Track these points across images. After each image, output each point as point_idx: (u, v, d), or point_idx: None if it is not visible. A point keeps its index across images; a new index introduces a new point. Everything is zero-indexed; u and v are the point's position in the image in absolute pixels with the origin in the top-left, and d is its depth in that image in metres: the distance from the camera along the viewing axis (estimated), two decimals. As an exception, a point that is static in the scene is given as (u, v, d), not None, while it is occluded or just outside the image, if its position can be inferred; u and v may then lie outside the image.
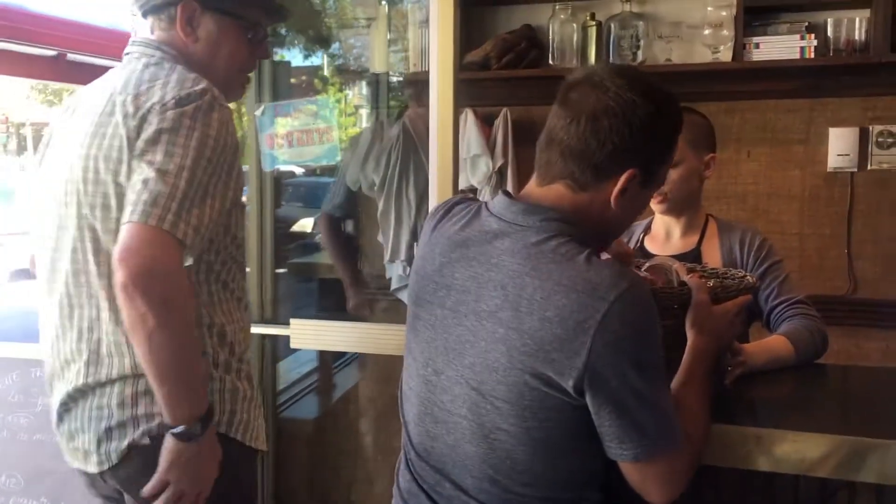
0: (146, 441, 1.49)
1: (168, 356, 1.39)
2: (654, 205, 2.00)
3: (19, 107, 21.23)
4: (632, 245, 2.10)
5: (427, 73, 2.29)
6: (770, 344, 1.77)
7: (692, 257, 1.92)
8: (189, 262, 1.51)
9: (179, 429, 1.44)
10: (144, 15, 1.64)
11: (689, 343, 1.37)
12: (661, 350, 1.20)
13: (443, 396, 1.29)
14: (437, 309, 1.31)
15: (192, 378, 1.45)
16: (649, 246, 2.07)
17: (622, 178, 1.24)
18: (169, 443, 1.45)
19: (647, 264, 1.59)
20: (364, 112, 3.22)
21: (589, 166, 1.24)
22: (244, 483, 1.67)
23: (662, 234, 2.07)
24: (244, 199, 1.67)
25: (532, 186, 1.32)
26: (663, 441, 1.18)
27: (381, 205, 2.96)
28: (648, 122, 1.24)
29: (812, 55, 2.67)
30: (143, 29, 1.67)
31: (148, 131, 1.43)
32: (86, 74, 6.49)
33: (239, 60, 1.65)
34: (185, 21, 1.59)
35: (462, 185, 2.99)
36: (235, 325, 1.61)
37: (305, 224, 3.28)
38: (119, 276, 1.34)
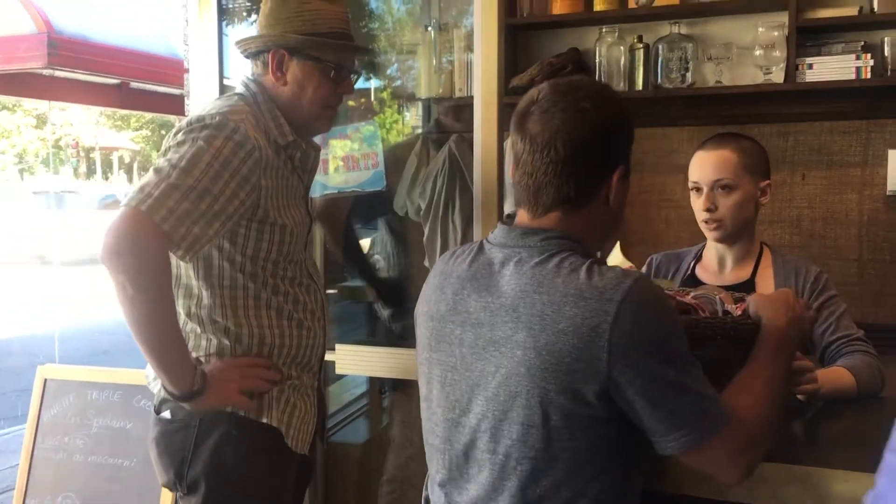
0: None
1: (148, 322, 1.55)
2: (708, 231, 1.96)
3: (89, 131, 21.97)
4: (681, 274, 2.06)
5: (472, 97, 2.30)
6: (831, 374, 1.73)
7: (747, 289, 1.86)
8: (212, 260, 1.71)
9: (176, 393, 1.62)
10: (247, 58, 1.85)
11: (771, 325, 1.37)
12: (680, 336, 1.20)
13: (472, 435, 1.28)
14: (456, 349, 1.31)
15: (174, 346, 1.60)
16: (701, 275, 2.02)
17: (614, 179, 1.29)
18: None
19: (693, 293, 1.56)
20: (411, 137, 3.22)
21: (583, 182, 1.28)
22: (264, 471, 1.76)
23: (715, 264, 2.02)
24: (283, 220, 1.74)
25: (523, 220, 1.34)
26: (706, 425, 1.17)
27: (426, 230, 2.96)
28: (610, 118, 1.30)
29: (868, 76, 2.59)
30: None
31: (163, 147, 1.65)
32: (147, 101, 6.74)
33: (323, 98, 1.81)
34: (276, 66, 1.78)
35: (507, 209, 2.97)
36: (272, 335, 1.77)
37: (362, 245, 3.29)
38: (99, 250, 1.50)
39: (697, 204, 1.95)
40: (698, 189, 1.95)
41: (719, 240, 1.97)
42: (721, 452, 1.19)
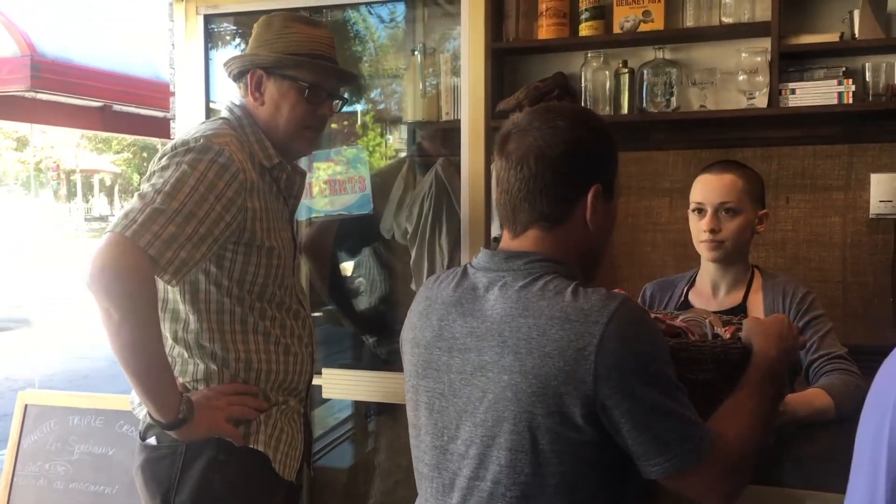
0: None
1: (134, 349, 1.52)
2: (707, 251, 1.98)
3: (70, 154, 21.88)
4: (674, 299, 2.07)
5: (459, 121, 2.31)
6: (808, 396, 1.74)
7: (738, 314, 1.88)
8: (197, 282, 1.69)
9: (163, 421, 1.60)
10: (233, 81, 1.86)
11: (761, 353, 1.37)
12: (666, 359, 1.21)
13: (461, 462, 1.28)
14: (443, 375, 1.31)
15: (160, 373, 1.58)
16: (695, 301, 2.03)
17: (590, 197, 1.30)
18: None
19: (682, 316, 1.57)
20: (398, 160, 3.22)
21: (556, 198, 1.29)
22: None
23: (709, 290, 2.04)
24: (270, 243, 1.72)
25: (506, 242, 1.35)
26: (689, 450, 1.17)
27: (413, 253, 2.95)
28: (586, 138, 1.31)
29: (850, 100, 2.62)
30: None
31: (148, 172, 1.65)
32: (130, 124, 6.71)
33: (299, 118, 1.81)
34: (255, 87, 1.80)
35: (494, 233, 2.98)
36: (259, 360, 1.76)
37: (345, 268, 3.29)
38: (85, 276, 1.49)
39: (699, 225, 1.98)
40: (701, 210, 1.98)
41: (716, 260, 1.99)
42: (703, 478, 1.19)
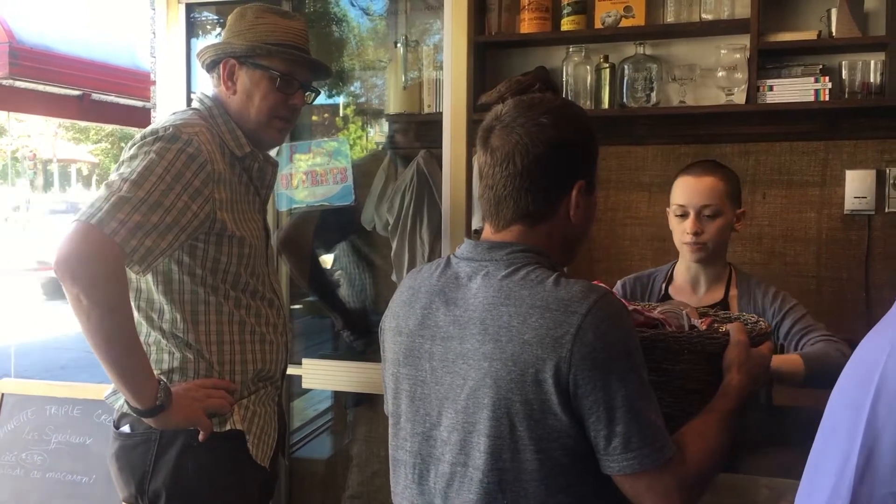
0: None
1: (106, 334, 1.53)
2: (690, 253, 2.01)
3: (47, 143, 21.59)
4: (654, 295, 2.09)
5: (441, 114, 2.31)
6: (778, 359, 1.76)
7: (721, 309, 1.91)
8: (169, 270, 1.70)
9: (140, 408, 1.60)
10: (207, 71, 1.86)
11: (725, 381, 1.36)
12: (639, 359, 1.21)
13: (443, 449, 1.29)
14: (425, 363, 1.32)
15: (133, 357, 1.58)
16: (676, 296, 2.06)
17: (573, 193, 1.32)
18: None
19: (659, 308, 1.58)
20: (379, 152, 3.23)
21: (541, 196, 1.30)
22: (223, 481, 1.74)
23: (689, 286, 2.07)
24: (241, 233, 1.74)
25: (488, 235, 1.36)
26: (647, 454, 1.17)
27: (394, 245, 2.96)
28: (570, 135, 1.32)
29: (827, 98, 2.66)
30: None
31: (119, 161, 1.65)
32: (108, 113, 6.65)
33: (269, 107, 1.81)
34: (227, 76, 1.81)
35: (475, 225, 2.99)
36: (233, 351, 1.77)
37: (325, 260, 3.28)
38: (53, 265, 1.51)
39: (682, 227, 2.01)
40: (684, 213, 2.01)
41: (699, 261, 2.03)
42: (656, 486, 1.20)
